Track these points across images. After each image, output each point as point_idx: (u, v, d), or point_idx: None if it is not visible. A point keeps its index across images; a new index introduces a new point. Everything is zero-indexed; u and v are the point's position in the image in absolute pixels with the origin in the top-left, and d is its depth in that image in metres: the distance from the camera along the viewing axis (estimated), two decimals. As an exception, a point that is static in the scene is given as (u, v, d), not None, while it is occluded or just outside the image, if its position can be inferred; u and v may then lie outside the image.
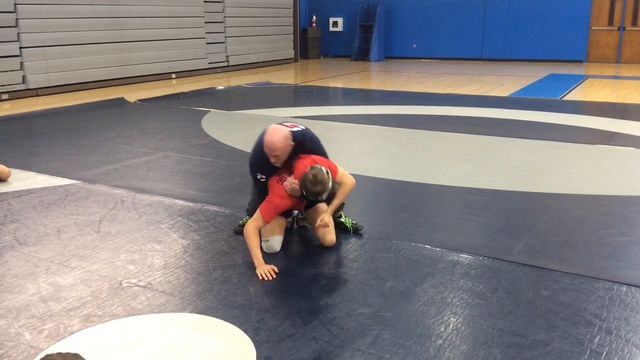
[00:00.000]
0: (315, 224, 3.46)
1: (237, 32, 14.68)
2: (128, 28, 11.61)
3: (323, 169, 3.23)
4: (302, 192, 3.26)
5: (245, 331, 2.59)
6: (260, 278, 3.10)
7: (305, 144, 3.43)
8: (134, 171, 5.27)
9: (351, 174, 3.55)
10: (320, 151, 3.52)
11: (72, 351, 1.88)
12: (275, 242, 3.46)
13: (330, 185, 3.23)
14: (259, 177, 3.48)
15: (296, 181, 3.28)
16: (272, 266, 3.17)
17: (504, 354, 2.42)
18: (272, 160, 3.34)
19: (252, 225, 3.29)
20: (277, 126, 3.40)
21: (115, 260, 3.35)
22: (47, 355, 1.79)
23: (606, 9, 15.70)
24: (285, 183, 3.33)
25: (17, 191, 4.67)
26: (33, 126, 7.73)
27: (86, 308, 2.81)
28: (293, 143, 3.36)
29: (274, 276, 3.11)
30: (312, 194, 3.21)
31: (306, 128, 3.53)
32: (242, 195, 4.58)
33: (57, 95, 10.15)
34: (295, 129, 3.43)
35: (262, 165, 3.42)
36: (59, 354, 1.79)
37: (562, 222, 3.97)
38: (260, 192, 3.49)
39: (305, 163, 3.34)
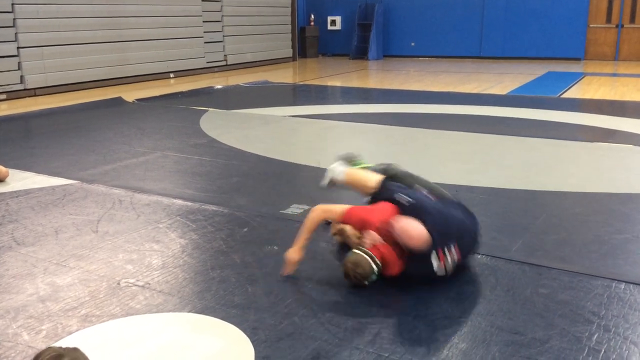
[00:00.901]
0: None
1: (235, 31, 14.67)
2: (126, 27, 11.60)
3: (370, 270, 2.89)
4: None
5: (244, 330, 2.59)
6: (285, 260, 3.10)
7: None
8: (132, 171, 5.27)
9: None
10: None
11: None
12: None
13: (354, 280, 2.93)
14: (399, 195, 3.15)
15: (377, 240, 2.98)
16: (296, 264, 3.10)
17: (502, 352, 2.42)
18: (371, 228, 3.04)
19: (321, 213, 3.16)
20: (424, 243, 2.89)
21: (114, 260, 3.35)
22: (48, 347, 1.80)
23: (604, 6, 15.70)
24: (378, 226, 3.02)
25: (15, 191, 4.66)
26: (31, 126, 7.72)
27: (84, 308, 2.81)
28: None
29: (291, 271, 3.09)
30: (343, 267, 2.98)
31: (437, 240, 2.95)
32: (240, 194, 4.58)
33: (55, 95, 10.14)
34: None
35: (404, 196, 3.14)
36: (60, 347, 1.81)
37: (560, 220, 3.97)
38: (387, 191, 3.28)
39: (386, 245, 2.97)
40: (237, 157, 5.75)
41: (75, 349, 1.91)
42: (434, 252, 2.89)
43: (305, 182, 4.99)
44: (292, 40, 17.17)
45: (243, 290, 2.98)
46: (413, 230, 2.87)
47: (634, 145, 6.07)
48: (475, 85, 11.39)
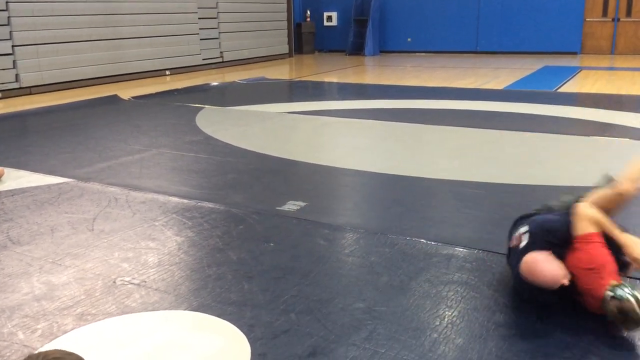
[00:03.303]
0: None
1: (231, 27, 14.63)
2: (121, 25, 11.57)
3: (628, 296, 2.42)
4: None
5: (240, 328, 2.58)
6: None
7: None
8: (127, 169, 5.25)
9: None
10: None
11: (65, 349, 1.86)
12: None
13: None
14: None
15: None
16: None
17: (499, 346, 2.42)
18: None
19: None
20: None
21: (109, 259, 3.34)
22: (47, 351, 1.76)
23: (600, 0, 15.69)
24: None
25: (11, 190, 4.65)
26: (26, 125, 7.70)
27: (80, 307, 2.80)
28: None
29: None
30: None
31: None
32: (236, 191, 4.57)
33: (51, 93, 10.10)
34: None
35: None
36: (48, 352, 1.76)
37: (557, 214, 3.97)
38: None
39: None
40: (233, 154, 5.73)
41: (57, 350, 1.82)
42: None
43: (302, 178, 4.98)
44: (288, 36, 17.14)
45: (239, 287, 2.97)
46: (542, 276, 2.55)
47: (631, 139, 6.07)
48: (472, 80, 11.38)
